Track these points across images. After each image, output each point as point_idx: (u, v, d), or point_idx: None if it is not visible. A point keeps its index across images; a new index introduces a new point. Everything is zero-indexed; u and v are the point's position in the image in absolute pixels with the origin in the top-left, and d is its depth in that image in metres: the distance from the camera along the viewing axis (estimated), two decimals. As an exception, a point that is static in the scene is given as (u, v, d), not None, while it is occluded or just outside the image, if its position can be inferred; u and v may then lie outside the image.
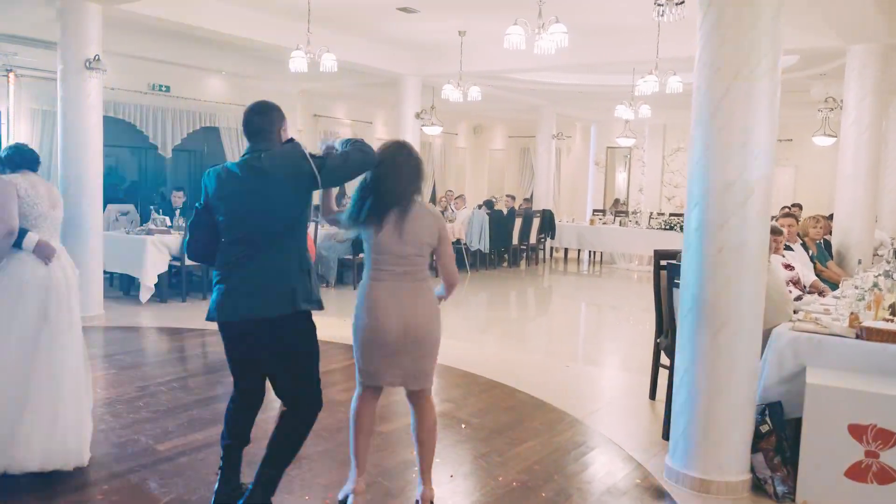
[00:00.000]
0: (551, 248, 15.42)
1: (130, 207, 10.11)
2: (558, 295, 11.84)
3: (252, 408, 3.37)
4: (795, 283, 5.95)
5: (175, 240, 8.49)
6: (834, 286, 6.32)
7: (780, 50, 3.66)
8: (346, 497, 3.42)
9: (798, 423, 3.68)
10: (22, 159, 3.80)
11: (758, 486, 3.76)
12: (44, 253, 3.69)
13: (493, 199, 14.45)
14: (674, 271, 4.52)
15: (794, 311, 4.48)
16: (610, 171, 18.79)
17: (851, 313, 3.96)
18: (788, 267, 5.98)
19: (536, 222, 14.20)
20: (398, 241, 3.21)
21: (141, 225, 9.20)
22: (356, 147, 3.17)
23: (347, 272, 10.47)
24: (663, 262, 4.99)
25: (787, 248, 6.22)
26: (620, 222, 14.64)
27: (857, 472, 3.46)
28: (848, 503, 3.47)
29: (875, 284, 4.35)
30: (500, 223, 13.18)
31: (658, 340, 5.23)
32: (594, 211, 16.91)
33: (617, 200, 17.90)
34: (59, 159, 7.34)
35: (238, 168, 3.07)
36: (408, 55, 10.79)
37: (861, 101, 7.62)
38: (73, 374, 3.74)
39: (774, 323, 4.13)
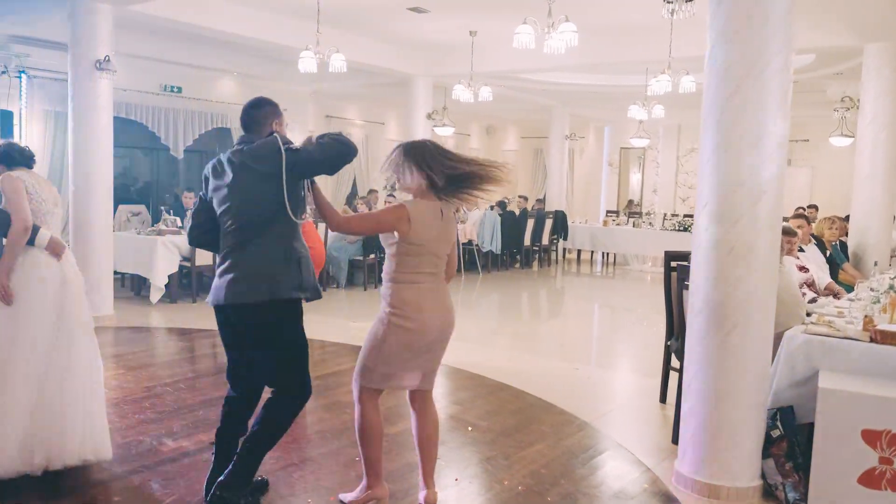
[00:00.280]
0: (564, 250, 15.34)
1: (142, 208, 10.14)
2: (570, 296, 11.76)
3: (245, 397, 3.40)
4: (810, 285, 5.85)
5: (185, 240, 8.49)
6: (850, 288, 6.22)
7: (792, 48, 3.59)
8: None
9: (810, 428, 3.59)
10: (20, 156, 3.76)
11: (768, 492, 3.69)
12: (55, 249, 3.69)
13: (506, 200, 14.38)
14: (684, 273, 4.45)
15: (808, 314, 4.40)
16: (624, 172, 18.67)
17: (866, 316, 3.87)
18: (803, 269, 5.89)
19: (549, 223, 14.12)
20: (438, 241, 3.20)
21: (152, 225, 9.22)
22: (332, 138, 3.17)
23: (358, 273, 10.44)
24: (674, 264, 4.92)
25: (800, 249, 6.12)
26: (634, 223, 14.54)
27: (870, 479, 3.37)
28: (861, 511, 3.39)
29: (891, 287, 4.25)
30: (512, 224, 13.12)
31: (668, 343, 5.16)
32: (607, 212, 16.81)
33: (631, 201, 17.78)
34: (70, 160, 7.37)
35: (226, 160, 3.21)
36: (418, 55, 10.76)
37: (878, 101, 7.51)
38: (89, 367, 3.73)
39: (786, 326, 4.05)
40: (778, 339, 3.91)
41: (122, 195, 10.99)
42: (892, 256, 7.91)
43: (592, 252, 15.19)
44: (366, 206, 11.23)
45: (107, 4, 7.10)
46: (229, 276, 3.17)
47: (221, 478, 3.27)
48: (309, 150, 3.14)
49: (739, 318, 3.60)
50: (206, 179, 3.32)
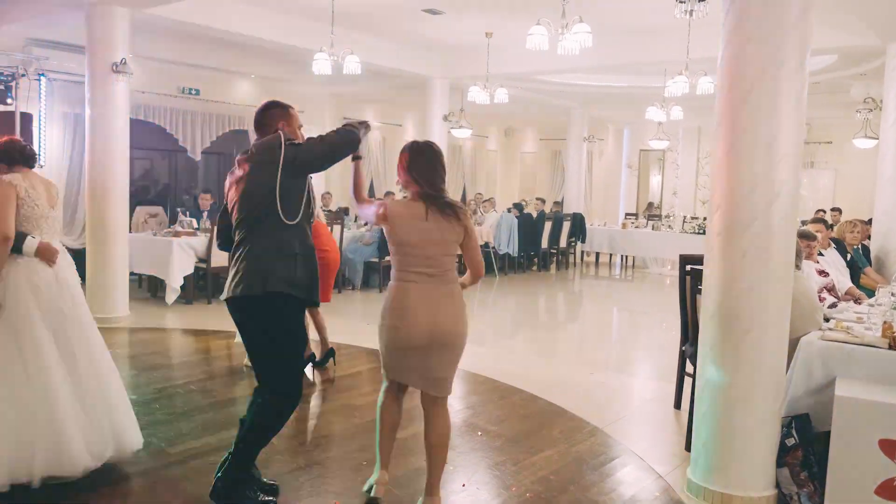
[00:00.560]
0: (582, 252, 15.23)
1: (159, 210, 10.21)
2: (587, 299, 11.66)
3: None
4: (830, 289, 5.74)
5: (201, 242, 8.54)
6: (871, 293, 6.08)
7: (808, 48, 3.50)
8: (371, 487, 3.50)
9: (826, 436, 3.50)
10: (20, 155, 3.69)
11: (783, 502, 3.59)
12: (47, 256, 3.63)
13: (523, 203, 14.31)
14: (698, 277, 4.37)
15: (826, 319, 4.29)
16: (643, 174, 18.52)
17: (885, 322, 3.77)
18: (823, 273, 5.78)
19: (567, 226, 14.03)
20: (424, 242, 3.21)
21: (168, 227, 9.27)
22: (338, 131, 3.25)
23: (373, 275, 10.43)
24: (689, 268, 4.84)
25: (819, 253, 6.01)
26: (653, 226, 14.40)
27: (888, 490, 3.27)
28: (878, 522, 3.30)
29: (912, 291, 4.16)
30: (529, 226, 13.05)
31: (683, 348, 5.07)
32: (626, 214, 16.68)
33: (651, 204, 17.63)
34: (87, 161, 7.43)
35: (237, 159, 3.33)
36: (434, 57, 10.73)
37: (901, 101, 7.33)
38: (98, 363, 3.72)
39: (803, 331, 3.95)
40: (794, 344, 3.82)
41: (142, 196, 11.09)
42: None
43: (611, 255, 15.06)
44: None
45: (123, 8, 7.15)
46: (232, 271, 3.28)
47: (219, 473, 3.34)
48: (311, 143, 3.21)
49: (753, 323, 3.52)
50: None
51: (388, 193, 12.67)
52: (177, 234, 8.52)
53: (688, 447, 4.20)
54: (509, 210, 13.15)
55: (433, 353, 3.21)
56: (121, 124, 7.36)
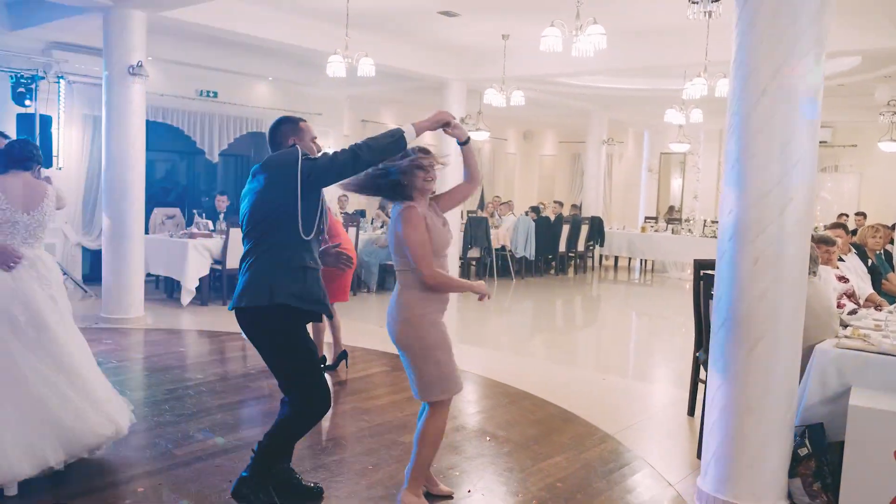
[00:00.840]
0: (601, 256, 15.11)
1: (176, 211, 10.26)
2: (605, 304, 11.56)
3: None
4: (850, 295, 5.61)
5: (217, 243, 8.57)
6: (893, 300, 5.96)
7: (824, 48, 3.42)
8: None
9: (841, 447, 3.42)
10: (9, 159, 3.69)
11: (795, 513, 3.51)
12: (2, 259, 3.57)
13: (541, 206, 14.23)
14: (710, 283, 4.29)
15: (843, 326, 4.19)
16: (664, 178, 18.34)
17: (903, 330, 3.67)
18: (843, 279, 5.65)
19: (585, 229, 13.92)
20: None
21: (185, 229, 9.32)
22: (355, 147, 3.18)
23: (389, 278, 10.41)
24: (703, 273, 4.76)
25: (840, 259, 5.88)
26: (673, 230, 14.24)
27: (904, 504, 3.18)
28: (894, 536, 3.20)
29: (932, 299, 4.04)
30: (546, 230, 12.96)
31: (697, 354, 4.99)
32: (646, 218, 16.53)
33: (672, 207, 17.46)
34: (104, 163, 7.49)
35: (253, 168, 3.31)
36: (450, 60, 10.69)
37: (926, 104, 7.19)
38: (80, 355, 3.73)
39: (819, 339, 3.86)
40: (809, 352, 3.73)
41: (161, 198, 11.16)
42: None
43: (630, 259, 14.92)
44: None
45: (140, 11, 7.20)
46: (241, 280, 3.28)
47: (244, 472, 3.37)
48: (323, 160, 3.20)
49: (765, 330, 3.43)
50: None
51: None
52: (192, 236, 8.56)
53: (699, 455, 4.12)
54: (526, 213, 13.07)
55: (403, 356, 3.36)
56: (137, 126, 7.41)
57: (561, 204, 14.66)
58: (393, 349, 3.47)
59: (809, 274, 3.78)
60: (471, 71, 10.81)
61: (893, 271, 7.12)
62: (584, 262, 14.30)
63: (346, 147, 3.19)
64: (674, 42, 8.78)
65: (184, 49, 9.57)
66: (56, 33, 8.57)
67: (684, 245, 13.39)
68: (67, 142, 9.13)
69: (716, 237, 12.89)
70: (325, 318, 5.70)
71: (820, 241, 5.36)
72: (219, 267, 8.61)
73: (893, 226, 7.78)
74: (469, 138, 3.46)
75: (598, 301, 11.78)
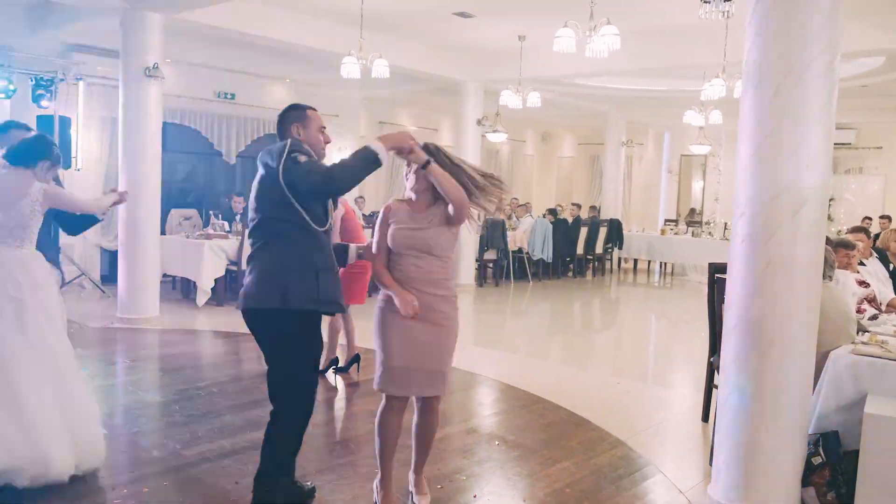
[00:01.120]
0: (619, 259, 14.97)
1: (193, 212, 10.33)
2: (623, 307, 11.45)
3: None
4: (871, 300, 5.50)
5: (233, 244, 8.60)
6: (917, 305, 5.82)
7: (838, 48, 3.34)
8: None
9: (856, 455, 3.33)
10: (14, 153, 3.63)
11: (808, 523, 3.43)
12: None
13: (559, 208, 14.13)
14: (723, 287, 4.21)
15: (860, 332, 4.09)
16: (685, 180, 18.14)
17: (922, 336, 3.58)
18: (863, 284, 5.54)
19: (603, 231, 13.81)
20: None
21: (202, 230, 9.37)
22: (333, 167, 2.97)
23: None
24: (717, 276, 4.68)
25: (861, 263, 5.77)
26: (693, 232, 14.09)
27: (920, 515, 3.10)
28: (910, 548, 3.12)
29: (953, 304, 3.94)
30: (564, 232, 12.86)
31: (711, 359, 4.91)
32: (665, 220, 16.36)
33: (693, 210, 17.27)
34: (120, 164, 7.54)
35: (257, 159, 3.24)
36: (466, 61, 10.66)
37: (950, 105, 7.03)
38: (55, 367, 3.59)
39: (834, 344, 3.77)
40: (824, 358, 3.65)
41: (179, 199, 11.23)
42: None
43: (649, 262, 14.78)
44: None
45: (156, 13, 7.26)
46: (248, 279, 3.16)
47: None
48: (308, 166, 2.97)
49: (777, 335, 3.36)
50: None
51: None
52: (208, 237, 8.60)
53: (712, 462, 4.04)
54: (544, 215, 12.98)
55: None
56: (153, 128, 7.46)
57: (579, 206, 14.54)
58: None
59: (825, 278, 3.70)
60: (486, 72, 10.77)
61: (917, 276, 6.96)
62: (602, 265, 14.18)
63: (330, 164, 3.01)
64: (691, 42, 8.68)
65: (201, 51, 9.63)
66: (75, 35, 8.66)
67: (704, 248, 13.21)
68: (86, 143, 9.22)
69: (736, 240, 12.75)
70: (340, 319, 5.75)
71: (839, 245, 5.25)
72: (234, 268, 8.63)
73: (917, 229, 7.59)
74: (429, 161, 3.14)
75: (615, 304, 11.67)
